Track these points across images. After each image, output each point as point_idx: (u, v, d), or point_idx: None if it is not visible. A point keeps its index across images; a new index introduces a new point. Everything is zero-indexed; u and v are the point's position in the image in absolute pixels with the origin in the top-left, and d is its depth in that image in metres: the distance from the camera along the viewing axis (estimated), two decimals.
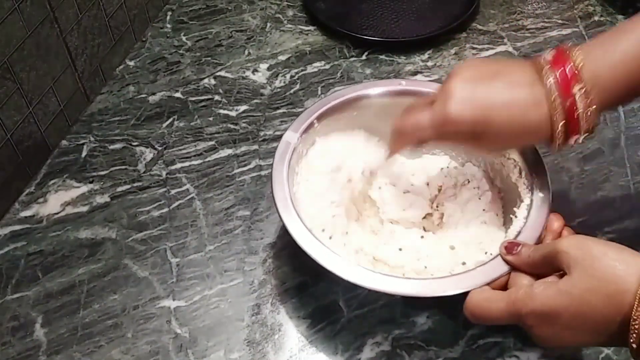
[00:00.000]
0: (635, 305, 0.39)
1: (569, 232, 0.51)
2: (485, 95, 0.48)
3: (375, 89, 0.63)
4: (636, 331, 0.39)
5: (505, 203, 0.59)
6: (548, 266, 0.46)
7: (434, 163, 0.64)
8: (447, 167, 0.63)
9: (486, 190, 0.60)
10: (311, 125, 0.60)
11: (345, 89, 0.63)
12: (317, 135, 0.61)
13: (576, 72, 0.46)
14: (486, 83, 0.49)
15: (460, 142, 0.53)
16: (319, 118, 0.61)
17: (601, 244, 0.43)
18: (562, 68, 0.47)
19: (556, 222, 0.52)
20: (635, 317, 0.39)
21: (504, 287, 0.48)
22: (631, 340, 0.39)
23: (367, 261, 0.56)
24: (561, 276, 0.44)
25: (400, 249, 0.57)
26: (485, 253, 0.53)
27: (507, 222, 0.56)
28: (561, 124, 0.47)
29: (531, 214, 0.53)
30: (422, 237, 0.58)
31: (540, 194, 0.54)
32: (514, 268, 0.49)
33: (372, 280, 0.48)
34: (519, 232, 0.52)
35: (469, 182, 0.61)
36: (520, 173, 0.57)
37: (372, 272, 0.49)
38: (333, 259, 0.49)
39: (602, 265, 0.42)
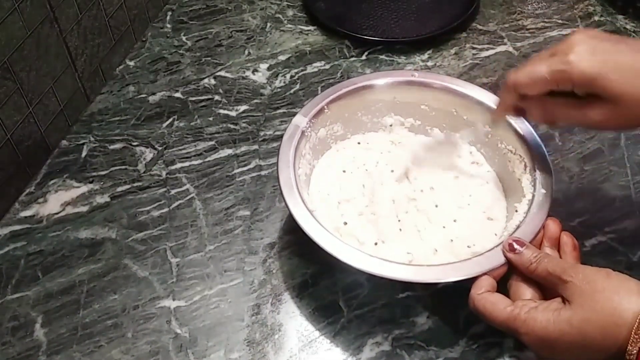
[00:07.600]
0: (631, 339, 0.40)
1: (567, 237, 0.52)
2: (608, 51, 0.46)
3: (387, 79, 0.64)
4: None
5: (509, 197, 0.60)
6: (549, 284, 0.47)
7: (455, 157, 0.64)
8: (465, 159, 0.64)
9: (491, 184, 0.61)
10: (321, 110, 0.60)
11: (357, 78, 0.64)
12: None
13: None
14: (611, 43, 0.47)
15: (570, 106, 0.49)
16: (330, 104, 0.61)
17: (606, 278, 0.44)
18: None
19: (552, 228, 0.52)
20: (629, 351, 0.41)
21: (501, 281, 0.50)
22: None
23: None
24: (562, 300, 0.45)
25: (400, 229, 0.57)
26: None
27: (509, 216, 0.57)
28: None
29: (532, 209, 0.53)
30: (417, 230, 0.58)
31: (543, 190, 0.54)
32: (512, 266, 0.50)
33: (374, 266, 0.49)
34: (518, 227, 0.52)
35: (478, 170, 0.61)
36: (525, 168, 0.57)
37: (372, 257, 0.50)
38: (325, 235, 0.50)
39: (602, 297, 0.43)
